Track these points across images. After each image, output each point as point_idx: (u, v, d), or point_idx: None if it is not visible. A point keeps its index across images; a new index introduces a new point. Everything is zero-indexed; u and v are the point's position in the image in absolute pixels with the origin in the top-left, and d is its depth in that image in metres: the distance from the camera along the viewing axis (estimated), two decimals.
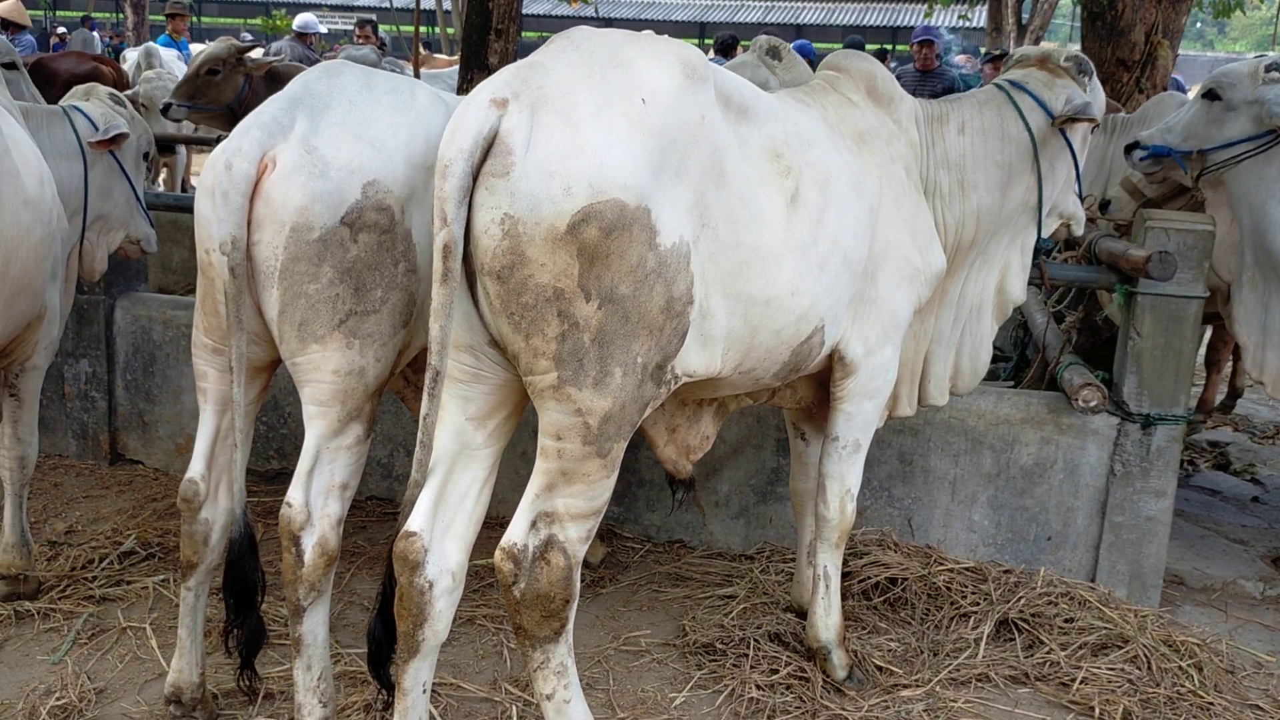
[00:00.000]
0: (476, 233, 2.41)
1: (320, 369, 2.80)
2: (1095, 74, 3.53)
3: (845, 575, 3.95)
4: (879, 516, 4.20)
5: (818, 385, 3.46)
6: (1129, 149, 4.21)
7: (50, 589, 3.81)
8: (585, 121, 2.40)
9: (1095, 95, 3.54)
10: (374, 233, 2.76)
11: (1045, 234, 3.55)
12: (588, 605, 3.96)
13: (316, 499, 2.85)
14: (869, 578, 3.94)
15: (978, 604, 3.84)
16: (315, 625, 2.92)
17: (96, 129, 4.02)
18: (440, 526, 2.65)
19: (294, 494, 2.84)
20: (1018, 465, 4.07)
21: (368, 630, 2.84)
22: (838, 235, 2.95)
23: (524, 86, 2.45)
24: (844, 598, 3.87)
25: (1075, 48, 4.00)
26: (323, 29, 12.30)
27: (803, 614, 3.69)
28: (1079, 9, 5.26)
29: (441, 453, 2.67)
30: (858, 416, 3.33)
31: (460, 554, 2.69)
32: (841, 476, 3.38)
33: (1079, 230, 3.70)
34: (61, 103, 4.20)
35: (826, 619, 3.48)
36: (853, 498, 3.41)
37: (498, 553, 2.59)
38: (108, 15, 26.56)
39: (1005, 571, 4.00)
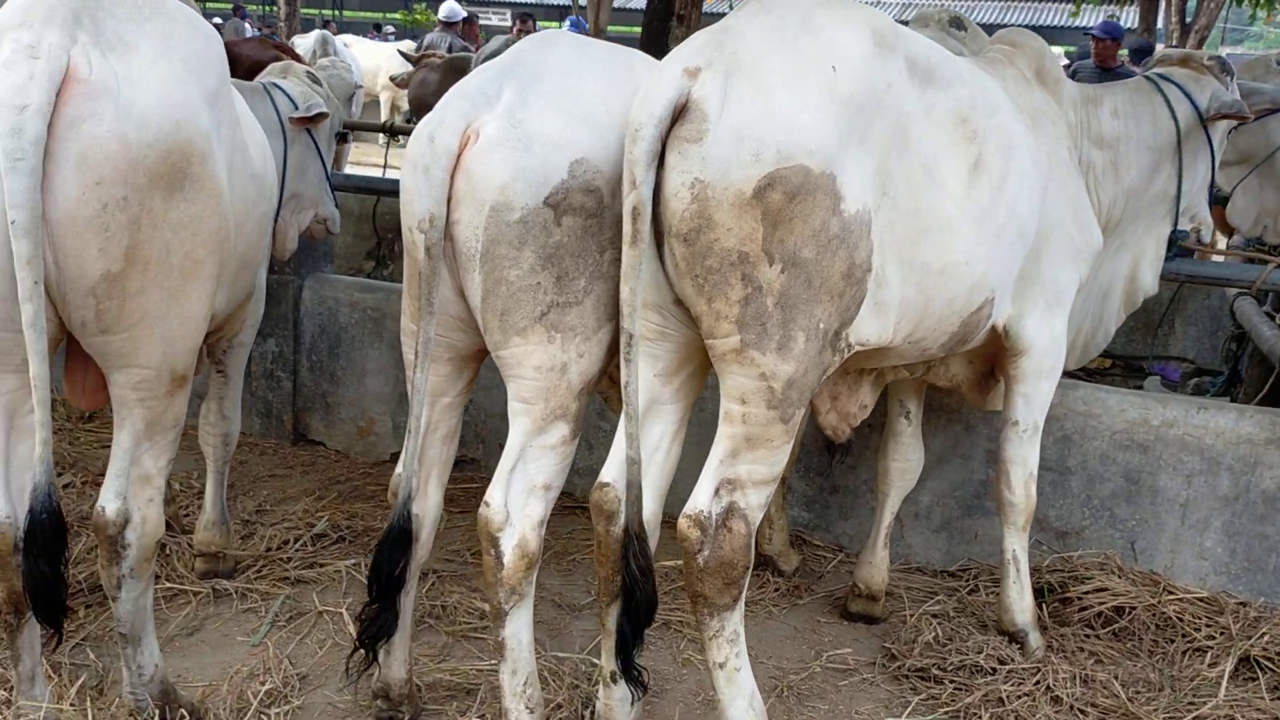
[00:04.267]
0: (666, 195, 2.45)
1: (523, 364, 2.64)
2: (1236, 75, 3.65)
3: (1066, 601, 3.70)
4: (1099, 538, 3.90)
5: (968, 363, 3.47)
6: None
7: (246, 569, 3.77)
8: (776, 89, 2.41)
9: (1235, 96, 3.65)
10: (580, 216, 2.57)
11: (1184, 226, 3.65)
12: (785, 615, 3.78)
13: (516, 499, 2.69)
14: (1092, 605, 3.65)
15: (1213, 638, 3.53)
16: (519, 629, 2.77)
17: (296, 107, 3.99)
18: None
19: (493, 493, 2.70)
20: (1259, 489, 3.73)
21: (617, 625, 2.70)
22: (1015, 205, 2.96)
23: (717, 53, 2.45)
24: (1065, 624, 3.64)
25: (1224, 51, 4.07)
26: (463, 13, 12.27)
27: (872, 597, 3.75)
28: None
29: None
30: (1036, 398, 3.36)
31: (654, 503, 2.77)
32: (1024, 460, 3.41)
33: (1207, 236, 3.75)
34: (259, 79, 4.19)
35: (1020, 602, 3.48)
36: (1034, 480, 3.44)
37: (683, 520, 2.57)
38: (255, 7, 27.25)
39: (1242, 604, 3.68)
